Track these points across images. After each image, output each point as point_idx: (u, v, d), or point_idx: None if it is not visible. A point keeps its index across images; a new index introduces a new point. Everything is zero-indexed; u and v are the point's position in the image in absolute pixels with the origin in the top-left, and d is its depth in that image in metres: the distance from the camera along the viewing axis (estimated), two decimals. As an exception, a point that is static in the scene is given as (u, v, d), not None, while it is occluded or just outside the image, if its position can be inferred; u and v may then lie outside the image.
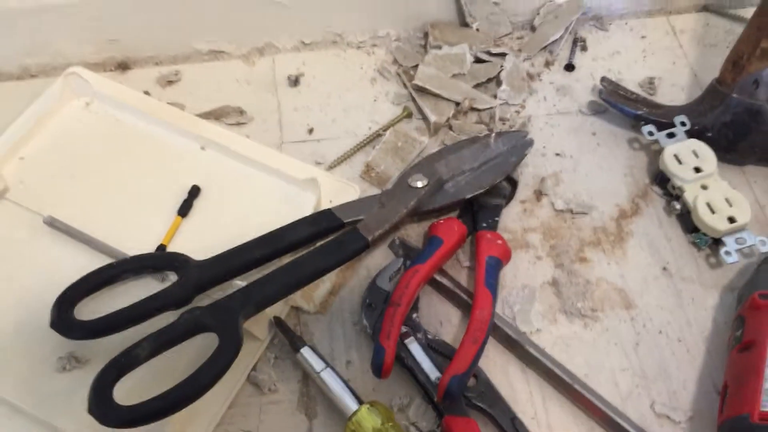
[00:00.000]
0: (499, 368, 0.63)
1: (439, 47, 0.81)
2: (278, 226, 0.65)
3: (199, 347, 0.58)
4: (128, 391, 0.54)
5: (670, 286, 0.68)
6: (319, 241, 0.65)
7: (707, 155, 0.72)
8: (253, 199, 0.71)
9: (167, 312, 0.60)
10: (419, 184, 0.68)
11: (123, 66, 0.80)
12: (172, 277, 0.63)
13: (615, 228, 0.72)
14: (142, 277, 0.64)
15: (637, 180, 0.75)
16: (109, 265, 0.63)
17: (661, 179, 0.74)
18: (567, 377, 0.62)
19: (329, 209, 0.67)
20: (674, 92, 0.82)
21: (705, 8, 0.89)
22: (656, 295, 0.68)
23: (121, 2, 0.76)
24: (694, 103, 0.76)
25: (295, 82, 0.80)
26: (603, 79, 0.79)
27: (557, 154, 0.77)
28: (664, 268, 0.69)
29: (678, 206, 0.71)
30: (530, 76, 0.82)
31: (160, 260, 0.64)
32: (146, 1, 0.76)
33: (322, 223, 0.66)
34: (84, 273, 0.61)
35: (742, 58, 0.71)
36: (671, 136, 0.74)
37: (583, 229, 0.72)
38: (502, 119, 0.78)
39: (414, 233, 0.70)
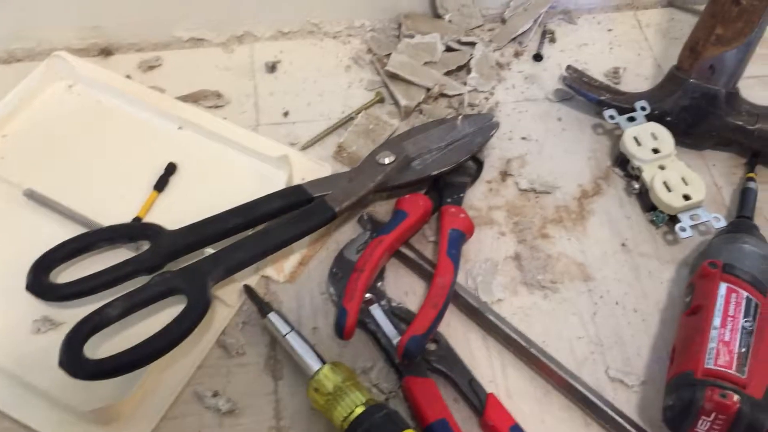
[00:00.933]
0: (460, 335, 0.65)
1: (412, 36, 0.84)
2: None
3: (172, 312, 0.60)
4: (103, 352, 0.57)
5: (628, 260, 0.71)
6: (289, 213, 0.68)
7: (665, 137, 0.74)
8: (227, 176, 0.74)
9: (140, 277, 0.63)
10: (387, 161, 0.71)
11: (106, 52, 0.83)
12: (146, 247, 0.65)
13: (577, 207, 0.74)
14: (117, 246, 0.67)
15: (600, 163, 0.78)
16: (85, 234, 0.65)
17: (621, 161, 0.76)
18: (525, 343, 0.64)
19: (300, 184, 0.69)
20: (638, 81, 0.85)
21: (670, 3, 0.93)
22: (614, 269, 0.70)
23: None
24: (654, 89, 0.79)
25: (272, 68, 0.83)
26: (568, 67, 0.82)
27: (523, 138, 0.79)
28: (623, 244, 0.72)
29: (637, 186, 0.74)
30: (499, 65, 0.85)
31: (134, 229, 0.67)
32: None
33: (292, 196, 0.69)
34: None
35: (698, 44, 0.74)
36: (632, 120, 0.76)
37: (546, 207, 0.74)
38: (471, 104, 0.81)
39: (383, 209, 0.73)
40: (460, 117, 0.75)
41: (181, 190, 0.72)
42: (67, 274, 0.64)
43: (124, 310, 0.59)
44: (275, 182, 0.72)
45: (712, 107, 0.75)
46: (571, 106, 0.82)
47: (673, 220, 0.72)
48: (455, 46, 0.85)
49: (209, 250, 0.65)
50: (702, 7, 0.87)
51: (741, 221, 0.70)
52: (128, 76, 0.81)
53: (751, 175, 0.75)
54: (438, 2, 0.86)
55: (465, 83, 0.82)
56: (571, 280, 0.70)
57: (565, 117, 0.82)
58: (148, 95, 0.78)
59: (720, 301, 0.59)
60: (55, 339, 0.60)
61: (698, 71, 0.74)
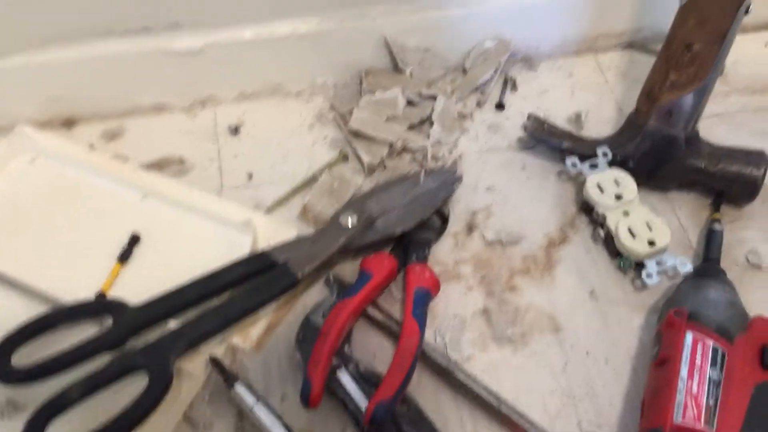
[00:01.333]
0: (430, 395, 0.65)
1: (373, 92, 0.85)
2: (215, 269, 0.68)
3: (135, 390, 0.59)
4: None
5: (596, 309, 0.71)
6: (253, 280, 0.67)
7: (627, 183, 0.75)
8: (191, 243, 0.73)
9: (103, 354, 0.62)
10: (349, 223, 0.70)
11: (69, 122, 0.83)
12: (109, 323, 0.64)
13: (544, 256, 0.74)
14: (81, 323, 0.66)
15: (565, 210, 0.78)
16: (47, 315, 0.65)
17: (586, 208, 0.76)
18: (495, 401, 0.63)
19: (263, 250, 0.69)
20: (600, 125, 0.85)
21: (629, 45, 0.94)
22: (583, 318, 0.70)
23: (63, 62, 0.79)
24: (615, 134, 0.79)
25: (235, 131, 0.84)
26: (529, 116, 0.82)
27: (488, 189, 0.80)
28: (591, 292, 0.72)
29: (602, 233, 0.74)
30: (462, 116, 0.86)
31: (96, 306, 0.66)
32: (89, 59, 0.80)
33: (256, 263, 0.68)
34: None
35: (654, 89, 0.75)
36: (594, 166, 0.77)
37: (514, 258, 0.74)
38: (434, 157, 0.81)
39: (349, 269, 0.73)
40: (422, 172, 0.76)
41: (145, 261, 0.72)
42: (29, 352, 0.64)
43: (85, 392, 0.58)
44: (240, 247, 0.71)
45: (673, 151, 0.75)
46: (534, 154, 0.83)
47: (639, 265, 0.72)
48: (416, 99, 0.85)
49: (172, 324, 0.64)
50: (660, 47, 0.88)
51: (707, 265, 0.70)
52: (92, 146, 0.81)
53: (716, 216, 0.75)
54: (398, 56, 0.87)
55: (428, 136, 0.83)
56: (541, 332, 0.69)
57: (530, 165, 0.82)
58: (111, 165, 0.78)
59: (686, 352, 0.59)
60: (20, 423, 0.59)
61: (656, 116, 0.75)
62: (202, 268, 0.68)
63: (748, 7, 0.70)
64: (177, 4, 0.78)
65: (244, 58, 0.84)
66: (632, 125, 0.77)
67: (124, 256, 0.71)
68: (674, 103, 0.74)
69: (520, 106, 0.87)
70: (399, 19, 0.85)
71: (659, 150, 0.75)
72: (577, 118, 0.85)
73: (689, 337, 0.60)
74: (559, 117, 0.86)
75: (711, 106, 0.79)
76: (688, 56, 0.72)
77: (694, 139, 0.76)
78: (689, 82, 0.73)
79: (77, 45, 0.79)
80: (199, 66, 0.83)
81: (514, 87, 0.89)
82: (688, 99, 0.73)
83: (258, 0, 0.80)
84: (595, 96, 0.89)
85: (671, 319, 0.62)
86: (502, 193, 0.79)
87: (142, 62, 0.81)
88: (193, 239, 0.74)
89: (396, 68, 0.88)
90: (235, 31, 0.82)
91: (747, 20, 0.73)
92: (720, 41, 0.70)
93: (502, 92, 0.88)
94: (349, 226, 0.70)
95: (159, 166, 0.80)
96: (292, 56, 0.85)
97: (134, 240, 0.72)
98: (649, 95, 0.75)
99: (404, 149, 0.81)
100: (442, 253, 0.74)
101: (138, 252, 0.72)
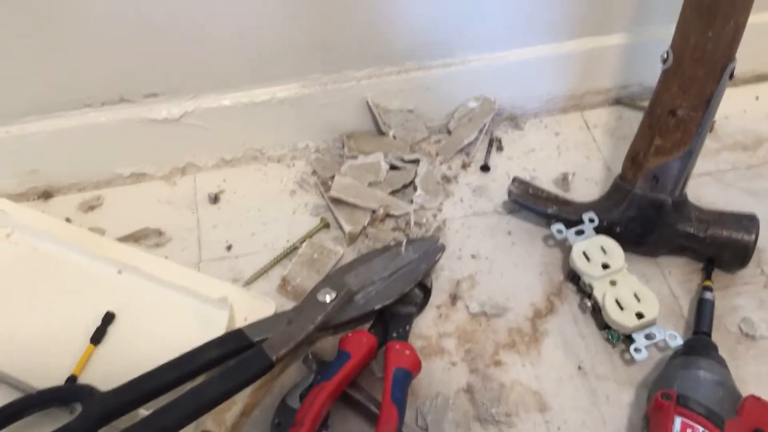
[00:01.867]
0: (411, 483, 0.62)
1: (355, 157, 0.83)
2: (191, 348, 0.66)
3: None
4: None
5: (585, 384, 0.68)
6: (228, 361, 0.65)
7: (614, 251, 0.73)
8: (167, 321, 0.71)
9: (71, 446, 0.60)
10: (328, 299, 0.69)
11: (46, 195, 0.82)
12: (79, 410, 0.62)
13: (530, 328, 0.72)
14: (50, 410, 0.64)
15: (552, 277, 0.76)
16: (14, 402, 0.63)
17: (573, 276, 0.74)
18: (477, 490, 0.61)
19: (240, 329, 0.67)
20: (588, 186, 0.84)
21: (617, 102, 0.92)
22: (571, 395, 0.68)
23: (40, 135, 0.78)
24: (602, 198, 0.78)
25: (215, 199, 0.82)
26: (514, 180, 0.80)
27: (473, 256, 0.78)
28: (579, 367, 0.69)
29: (589, 303, 0.72)
30: (446, 179, 0.84)
31: (65, 393, 0.64)
32: (66, 131, 0.79)
33: (232, 343, 0.66)
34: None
35: (639, 154, 0.73)
36: (580, 233, 0.75)
37: (499, 331, 0.72)
38: (417, 224, 0.79)
39: (329, 345, 0.71)
40: (404, 243, 0.74)
41: (119, 340, 0.70)
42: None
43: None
44: (216, 325, 0.69)
45: (661, 216, 0.73)
46: (520, 218, 0.81)
47: (628, 337, 0.69)
48: (399, 164, 0.84)
49: (142, 411, 0.62)
50: (647, 103, 0.87)
51: (698, 339, 0.67)
52: (68, 219, 0.80)
53: (707, 283, 0.73)
54: (380, 119, 0.85)
55: (411, 201, 0.81)
56: (527, 411, 0.67)
57: (515, 230, 0.80)
58: (87, 239, 0.77)
59: (675, 439, 0.57)
60: None
61: (642, 181, 0.73)
62: (177, 347, 0.66)
63: (732, 72, 0.68)
64: (154, 76, 0.78)
65: (224, 125, 0.83)
66: (618, 190, 0.75)
67: (98, 337, 0.69)
68: (660, 169, 0.72)
69: (506, 166, 0.86)
70: (381, 81, 0.84)
71: (646, 216, 0.73)
72: (564, 179, 0.84)
73: (678, 422, 0.58)
74: (545, 178, 0.84)
75: (701, 164, 0.77)
76: (672, 121, 0.70)
77: (682, 204, 0.74)
78: (675, 148, 0.71)
79: (54, 118, 0.78)
80: (178, 134, 0.82)
81: (500, 147, 0.87)
82: (675, 164, 0.71)
83: (237, 67, 0.79)
84: (583, 155, 0.87)
85: (659, 403, 0.60)
86: (488, 261, 0.77)
87: (120, 132, 0.80)
88: (168, 316, 0.72)
89: (379, 131, 0.87)
90: (215, 98, 0.81)
91: (736, 72, 0.71)
92: (704, 107, 0.68)
93: (488, 153, 0.87)
94: (327, 303, 0.68)
95: (136, 238, 0.78)
96: (272, 121, 0.84)
97: (108, 319, 0.71)
98: (634, 160, 0.73)
99: (387, 216, 0.80)
100: (425, 325, 0.72)
101: (112, 331, 0.70)
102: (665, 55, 0.69)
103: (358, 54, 0.81)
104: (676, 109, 0.69)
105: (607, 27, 0.86)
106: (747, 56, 0.71)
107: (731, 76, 0.68)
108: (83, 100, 0.78)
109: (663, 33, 0.76)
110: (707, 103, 0.68)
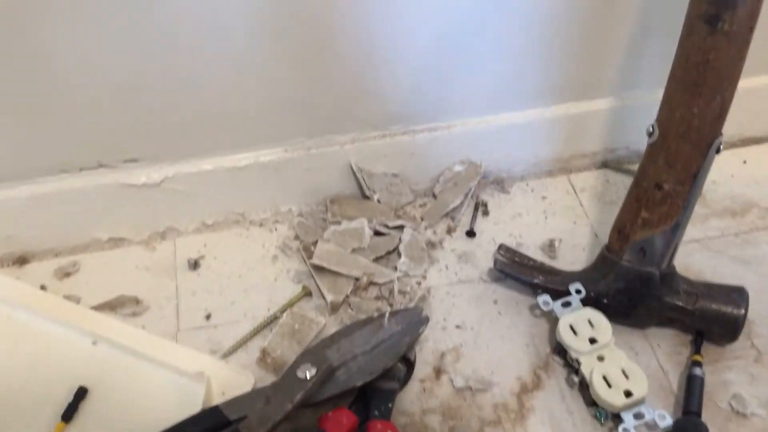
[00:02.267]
0: None
1: (339, 222, 0.82)
2: (167, 426, 0.63)
3: None
4: None
5: (572, 466, 0.66)
6: (204, 442, 0.63)
7: (602, 324, 0.71)
8: (142, 396, 0.69)
9: None
10: (307, 375, 0.66)
11: (21, 260, 0.80)
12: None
13: (516, 404, 0.70)
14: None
15: (539, 350, 0.74)
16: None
17: (560, 349, 0.73)
18: None
19: (216, 406, 0.65)
20: (575, 252, 0.82)
21: (604, 165, 0.91)
22: (559, 478, 0.66)
23: (16, 200, 0.76)
24: (588, 269, 0.76)
25: (194, 265, 0.81)
26: (500, 247, 0.79)
27: (458, 326, 0.76)
28: (567, 446, 0.67)
29: (577, 379, 0.70)
30: (431, 245, 0.82)
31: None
32: (42, 196, 0.77)
33: (208, 421, 0.64)
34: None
35: (625, 227, 0.72)
36: (567, 305, 0.73)
37: (484, 407, 0.70)
38: (402, 292, 0.78)
39: (309, 423, 0.68)
40: (386, 315, 0.72)
41: (91, 418, 0.68)
42: None
43: None
44: (193, 400, 0.68)
45: (648, 289, 0.72)
46: (506, 286, 0.79)
47: (618, 415, 0.67)
48: (383, 230, 0.82)
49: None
50: (635, 167, 0.86)
51: (687, 420, 0.66)
52: (43, 287, 0.78)
53: (696, 358, 0.71)
54: (365, 182, 0.84)
55: (395, 268, 0.80)
56: (512, 495, 0.65)
57: (501, 299, 0.78)
58: (62, 307, 0.75)
59: None
60: None
61: (629, 253, 0.72)
62: (152, 425, 0.64)
63: (720, 147, 0.67)
64: (134, 141, 0.76)
65: (205, 189, 0.81)
66: (605, 261, 0.74)
67: (69, 414, 0.67)
68: (647, 241, 0.71)
69: (492, 232, 0.84)
70: (366, 146, 0.83)
71: (634, 288, 0.72)
72: (551, 246, 0.82)
73: None
74: (532, 244, 0.83)
75: (689, 231, 0.76)
76: (659, 195, 0.69)
77: (670, 276, 0.72)
78: (662, 221, 0.70)
79: (30, 184, 0.76)
80: (158, 198, 0.80)
81: (486, 212, 0.86)
82: (662, 237, 0.70)
83: (218, 132, 0.78)
84: (569, 220, 0.86)
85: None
86: (473, 331, 0.76)
87: (98, 197, 0.79)
88: (144, 391, 0.69)
89: (363, 194, 0.85)
90: (196, 162, 0.80)
91: (725, 135, 0.70)
92: (691, 181, 0.67)
93: (473, 218, 0.85)
94: (307, 379, 0.66)
95: (113, 306, 0.76)
96: (255, 185, 0.82)
97: (81, 394, 0.68)
98: (620, 232, 0.72)
99: (370, 284, 0.78)
100: (408, 401, 0.70)
101: (84, 407, 0.68)
102: (651, 129, 0.68)
103: (342, 118, 0.81)
104: (663, 183, 0.68)
105: (594, 91, 0.86)
106: (733, 120, 0.70)
107: (718, 150, 0.68)
108: (61, 166, 0.76)
109: (650, 97, 0.75)
110: (694, 177, 0.68)
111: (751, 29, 0.62)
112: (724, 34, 0.60)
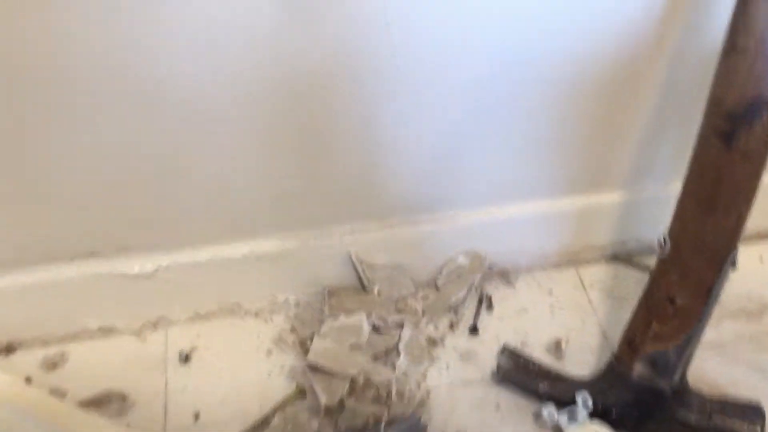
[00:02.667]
0: None
1: (336, 317, 0.79)
2: None
3: None
4: None
5: None
6: None
7: (609, 442, 0.67)
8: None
9: None
10: (296, 493, 0.63)
11: (8, 348, 0.78)
12: None
13: None
14: None
15: (542, 464, 0.70)
16: None
17: (565, 465, 0.69)
18: None
19: None
20: (583, 353, 0.79)
21: (614, 257, 0.88)
22: None
23: (3, 289, 0.74)
24: (596, 378, 0.73)
25: (186, 358, 0.78)
26: (503, 350, 0.76)
27: (457, 435, 0.72)
28: None
29: (582, 501, 0.66)
30: (432, 342, 0.79)
31: None
32: (32, 285, 0.75)
33: None
34: None
35: (636, 338, 0.69)
36: (573, 415, 0.69)
37: None
38: (399, 394, 0.74)
39: None
40: (382, 425, 0.69)
41: None
42: None
43: None
44: None
45: (659, 404, 0.68)
46: (510, 389, 0.76)
47: None
48: (383, 325, 0.79)
49: None
50: (645, 260, 0.83)
51: None
52: (28, 379, 0.75)
53: (710, 479, 0.67)
54: (364, 274, 0.81)
55: (394, 366, 0.76)
56: None
57: (504, 403, 0.75)
58: (45, 405, 0.72)
59: None
60: None
61: (639, 366, 0.68)
62: None
63: (735, 261, 0.64)
64: (127, 231, 0.74)
65: (200, 279, 0.79)
66: (614, 371, 0.71)
67: None
68: (658, 354, 0.67)
69: (496, 328, 0.81)
70: (366, 237, 0.80)
71: (644, 402, 0.68)
72: (557, 347, 0.79)
73: None
74: (537, 343, 0.80)
75: (707, 333, 0.73)
76: (671, 309, 0.66)
77: (682, 391, 0.69)
78: (674, 335, 0.66)
79: (20, 273, 0.74)
80: (150, 288, 0.78)
81: (490, 306, 0.83)
82: (674, 351, 0.67)
83: (214, 222, 0.76)
84: (577, 317, 0.82)
85: None
86: (473, 441, 0.72)
87: (89, 286, 0.76)
88: (124, 501, 0.66)
89: (362, 286, 0.82)
90: (190, 253, 0.77)
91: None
92: (706, 296, 0.64)
93: (477, 313, 0.82)
94: (295, 498, 0.63)
95: (99, 403, 0.73)
96: (250, 275, 0.80)
97: (58, 503, 0.65)
98: (630, 344, 0.69)
99: (367, 384, 0.75)
100: None
101: None
102: (662, 241, 0.65)
103: (341, 209, 0.78)
104: (675, 297, 0.65)
105: (604, 184, 0.83)
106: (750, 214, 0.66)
107: (734, 263, 0.64)
108: (51, 255, 0.74)
109: (662, 190, 0.73)
110: (708, 292, 0.64)
111: (767, 145, 0.59)
112: (739, 152, 0.58)
